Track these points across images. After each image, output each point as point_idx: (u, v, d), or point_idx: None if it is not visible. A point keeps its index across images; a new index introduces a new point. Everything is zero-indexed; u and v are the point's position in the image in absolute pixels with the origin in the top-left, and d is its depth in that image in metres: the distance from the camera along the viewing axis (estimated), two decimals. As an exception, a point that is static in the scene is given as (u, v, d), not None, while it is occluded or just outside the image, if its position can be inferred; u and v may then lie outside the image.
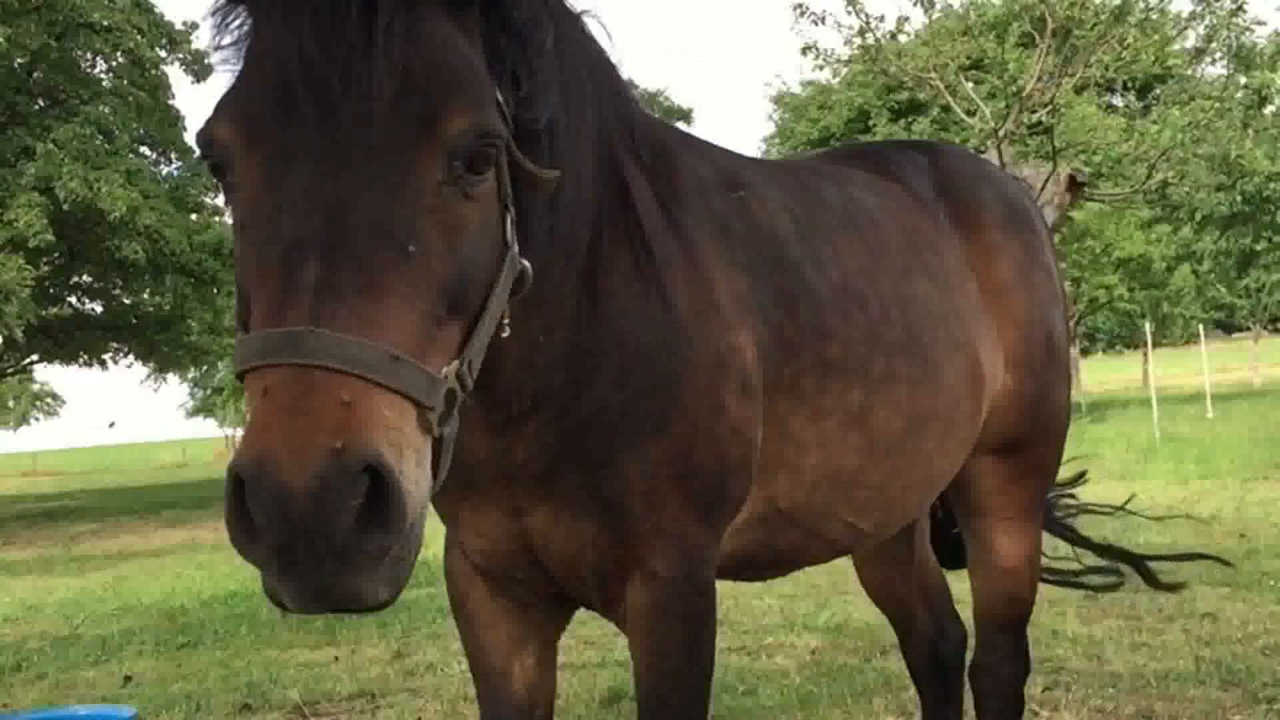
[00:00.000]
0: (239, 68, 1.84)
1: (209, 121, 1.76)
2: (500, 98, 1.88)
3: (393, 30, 1.70)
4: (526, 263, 1.93)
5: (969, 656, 3.83)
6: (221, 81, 1.86)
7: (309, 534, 1.49)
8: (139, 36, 23.69)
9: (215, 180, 1.82)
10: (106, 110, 23.58)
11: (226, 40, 1.91)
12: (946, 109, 22.46)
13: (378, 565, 1.56)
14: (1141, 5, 20.84)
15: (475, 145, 1.74)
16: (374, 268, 1.61)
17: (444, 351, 1.71)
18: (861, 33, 20.66)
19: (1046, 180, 18.61)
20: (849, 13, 20.23)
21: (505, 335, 1.94)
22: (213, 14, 1.91)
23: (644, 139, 2.55)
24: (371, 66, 1.68)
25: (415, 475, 1.60)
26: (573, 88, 2.23)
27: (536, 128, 2.05)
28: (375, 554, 1.55)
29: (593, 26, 2.39)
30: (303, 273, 1.60)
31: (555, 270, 2.20)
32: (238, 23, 1.90)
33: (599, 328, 2.32)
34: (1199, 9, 20.33)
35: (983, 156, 16.84)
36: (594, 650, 6.62)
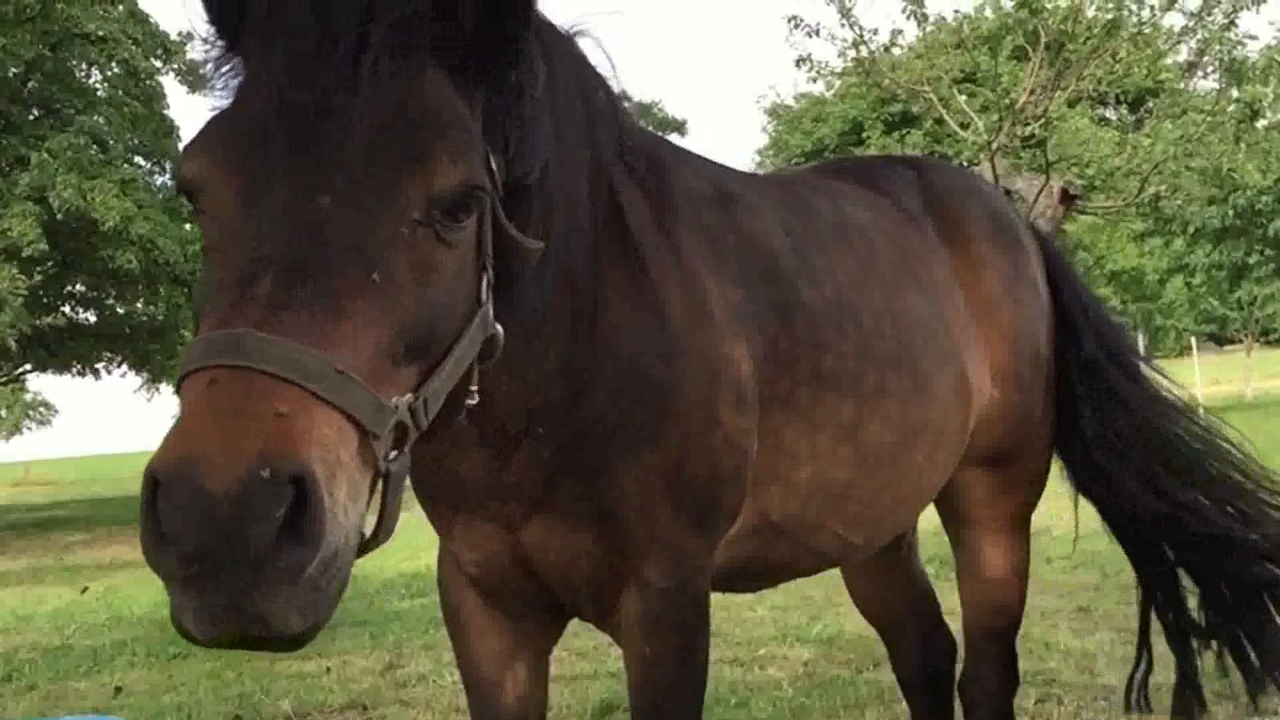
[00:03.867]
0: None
1: (183, 153, 1.77)
2: (493, 163, 1.88)
3: (379, 67, 1.70)
4: (499, 328, 1.91)
5: (959, 668, 3.84)
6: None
7: (223, 541, 1.39)
8: (134, 47, 23.69)
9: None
10: (101, 120, 23.57)
11: (219, 86, 1.90)
12: (940, 121, 22.49)
13: (291, 586, 1.45)
14: (1134, 19, 20.90)
15: (458, 194, 1.72)
16: (333, 289, 1.58)
17: (396, 384, 1.66)
18: (855, 45, 20.72)
19: (1039, 193, 18.65)
20: (843, 25, 20.28)
21: (473, 402, 1.92)
22: (210, 65, 1.91)
23: (637, 152, 2.56)
24: (354, 98, 1.68)
25: (345, 502, 1.52)
26: (564, 118, 2.23)
27: (527, 182, 2.05)
28: (289, 571, 1.44)
29: (588, 32, 2.40)
30: (258, 285, 1.56)
31: (551, 304, 2.21)
32: (233, 71, 1.89)
33: (594, 341, 2.33)
34: (1191, 23, 20.39)
35: (974, 170, 16.85)
36: (587, 662, 6.61)
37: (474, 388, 1.92)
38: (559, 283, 2.24)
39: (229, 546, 1.40)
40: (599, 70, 2.45)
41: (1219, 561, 3.68)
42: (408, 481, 2.57)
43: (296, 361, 1.50)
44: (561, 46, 2.30)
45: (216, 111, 1.81)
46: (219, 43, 1.89)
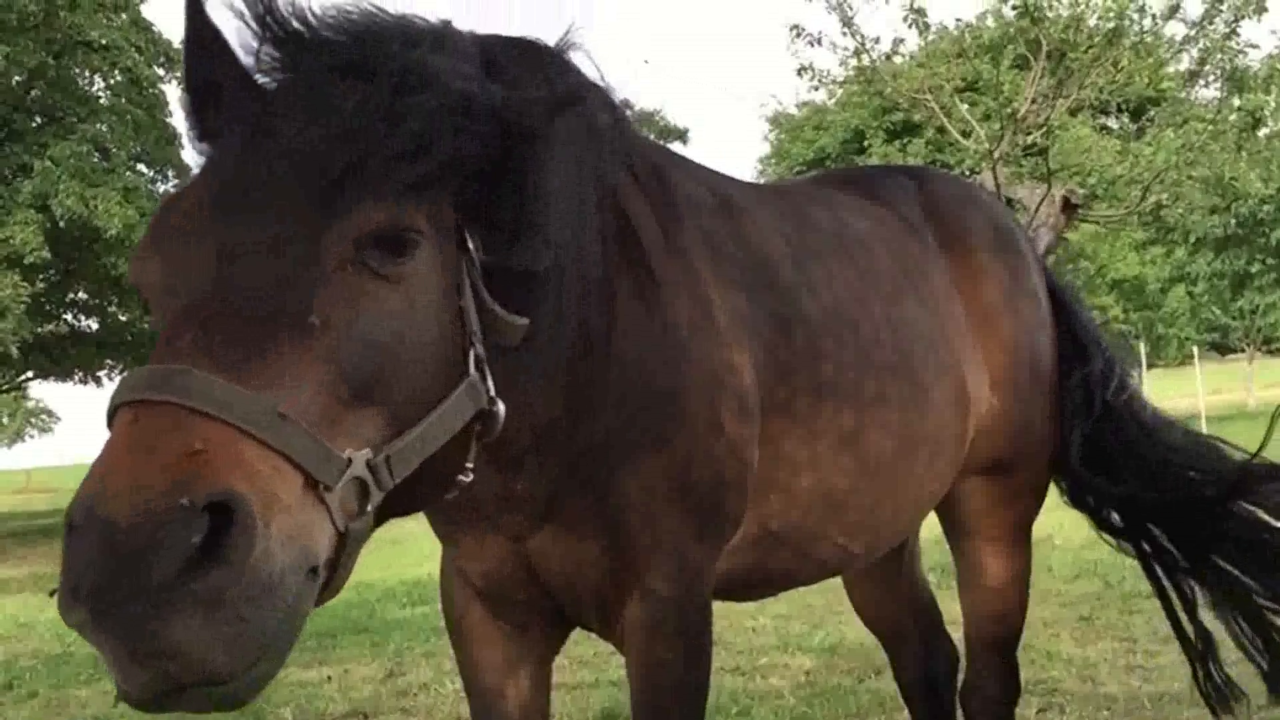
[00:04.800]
0: None
1: (131, 259, 1.79)
2: (470, 242, 1.89)
3: (308, 133, 1.72)
4: (501, 406, 1.90)
5: (960, 677, 3.83)
6: None
7: (124, 570, 1.33)
8: (137, 55, 23.74)
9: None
10: (104, 128, 23.61)
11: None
12: (941, 130, 22.47)
13: (207, 614, 1.37)
14: (1136, 29, 20.91)
15: (382, 233, 1.71)
16: (260, 330, 1.57)
17: (351, 436, 1.63)
18: (857, 54, 20.70)
19: (1041, 202, 18.63)
20: (844, 34, 20.26)
21: (467, 480, 1.92)
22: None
23: (640, 161, 2.57)
24: (283, 161, 1.69)
25: (282, 537, 1.46)
26: (572, 163, 2.22)
27: (536, 267, 2.03)
28: (203, 597, 1.36)
29: (581, 47, 2.39)
30: (185, 334, 1.56)
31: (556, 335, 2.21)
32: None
33: (604, 354, 2.33)
34: (1193, 32, 20.38)
35: (975, 179, 16.83)
36: (588, 670, 6.61)
37: (470, 464, 1.91)
38: (569, 306, 2.23)
39: (131, 576, 1.33)
40: (599, 87, 2.43)
41: (1218, 528, 3.54)
42: None
43: (222, 400, 1.47)
44: (567, 80, 2.28)
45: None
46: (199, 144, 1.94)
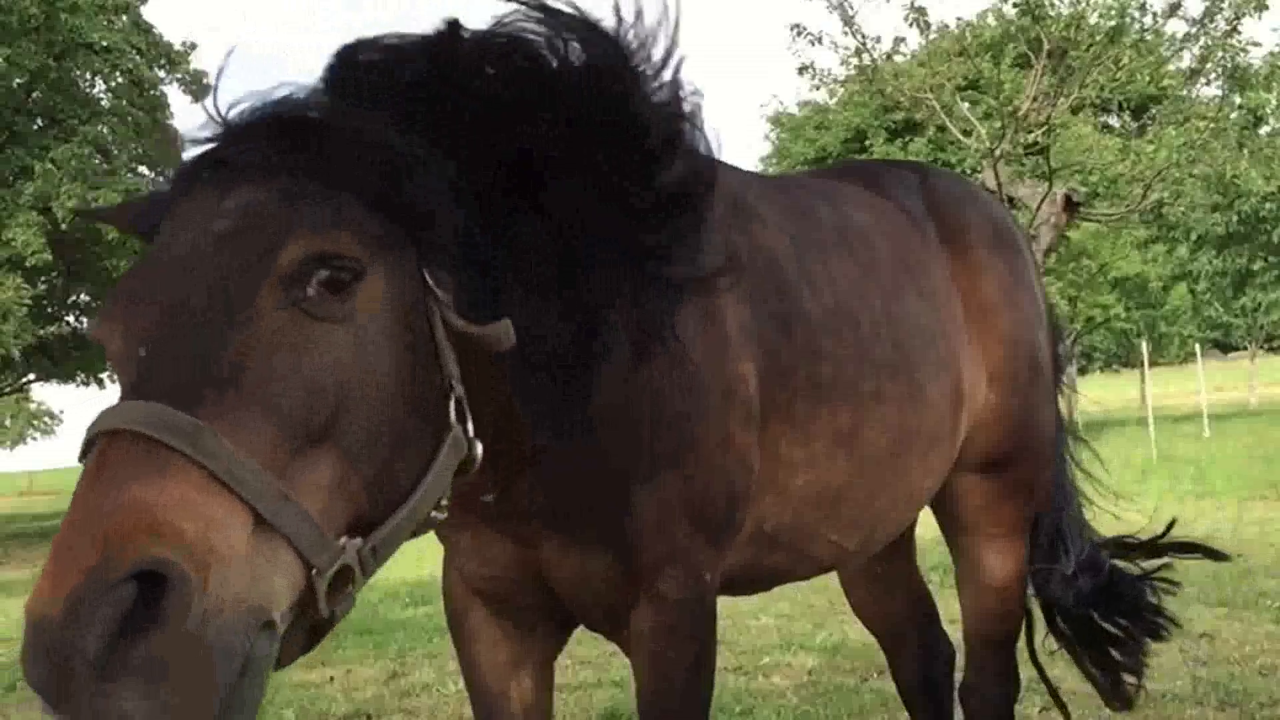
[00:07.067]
0: None
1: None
2: (428, 277, 1.83)
3: (237, 196, 1.73)
4: (479, 447, 1.88)
5: (959, 676, 3.83)
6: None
7: (60, 660, 1.34)
8: (137, 57, 23.77)
9: None
10: (105, 130, 23.66)
11: None
12: (943, 129, 22.49)
13: (152, 682, 1.35)
14: (1137, 26, 20.93)
15: (304, 266, 1.67)
16: (204, 387, 1.54)
17: (315, 486, 1.60)
18: (858, 53, 20.73)
19: (1042, 200, 18.65)
20: (845, 33, 20.30)
21: (441, 517, 1.88)
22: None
23: None
24: (215, 218, 1.70)
25: (226, 597, 1.43)
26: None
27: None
28: (143, 664, 1.35)
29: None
30: (138, 388, 1.56)
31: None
32: None
33: (611, 374, 2.25)
34: (1194, 30, 20.38)
35: (977, 177, 16.81)
36: (590, 670, 6.61)
37: (445, 502, 1.88)
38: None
39: (66, 663, 1.34)
40: None
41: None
42: None
43: (169, 422, 1.48)
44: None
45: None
46: None
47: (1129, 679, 3.99)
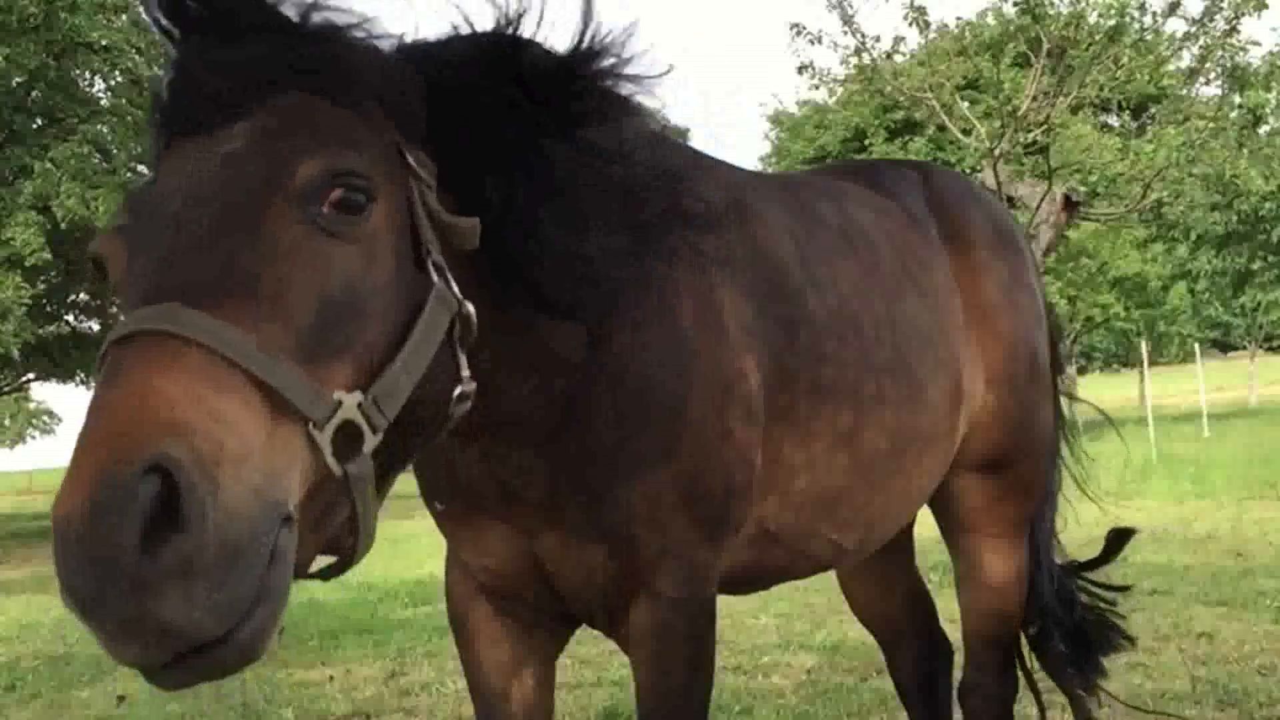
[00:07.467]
0: None
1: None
2: (409, 157, 1.87)
3: (246, 105, 1.75)
4: (470, 306, 1.88)
5: (957, 675, 3.83)
6: None
7: (93, 565, 1.33)
8: (137, 56, 23.70)
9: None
10: (104, 129, 23.60)
11: None
12: (942, 128, 22.49)
13: (184, 583, 1.36)
14: (1136, 26, 20.91)
15: (326, 185, 1.70)
16: (219, 290, 1.56)
17: (333, 378, 1.62)
18: (858, 52, 20.73)
19: (1042, 199, 18.64)
20: (845, 32, 20.30)
21: (468, 389, 1.89)
22: None
23: (652, 162, 2.53)
24: (224, 140, 1.72)
25: (242, 492, 1.43)
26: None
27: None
28: (174, 567, 1.35)
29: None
30: (152, 293, 1.57)
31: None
32: None
33: (607, 355, 2.31)
34: (1193, 30, 20.37)
35: (976, 177, 16.81)
36: (590, 669, 6.61)
37: (465, 373, 1.89)
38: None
39: (97, 567, 1.34)
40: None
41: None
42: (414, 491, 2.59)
43: (179, 319, 1.49)
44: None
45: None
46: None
47: (1083, 694, 4.05)
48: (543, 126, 2.04)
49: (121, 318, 1.60)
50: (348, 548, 1.69)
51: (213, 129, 1.74)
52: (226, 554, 1.39)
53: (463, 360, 1.89)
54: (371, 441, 1.66)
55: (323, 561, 1.73)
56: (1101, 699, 4.10)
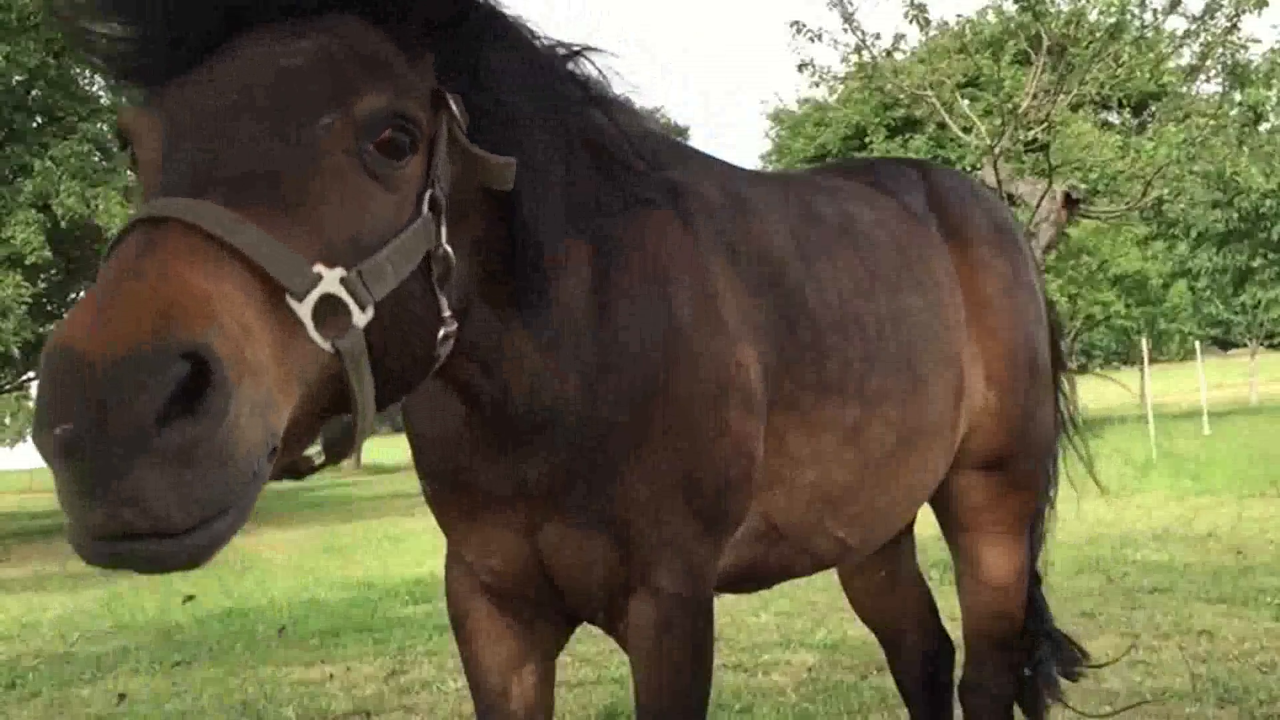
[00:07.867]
0: None
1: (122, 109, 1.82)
2: (453, 105, 1.90)
3: (303, 22, 1.76)
4: (451, 251, 1.88)
5: (958, 673, 3.83)
6: None
7: (100, 409, 1.31)
8: (137, 54, 23.71)
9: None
10: (104, 127, 23.58)
11: None
12: (942, 126, 22.47)
13: (176, 467, 1.35)
14: (1136, 23, 20.90)
15: (385, 123, 1.73)
16: (254, 194, 1.58)
17: (321, 259, 1.62)
18: (858, 50, 20.71)
19: (1042, 197, 18.62)
20: (845, 30, 20.27)
21: (451, 329, 1.90)
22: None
23: (653, 161, 2.55)
24: (284, 55, 1.72)
25: (250, 406, 1.44)
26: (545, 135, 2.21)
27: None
28: (176, 448, 1.35)
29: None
30: (185, 180, 1.58)
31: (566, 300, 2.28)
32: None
33: (607, 344, 2.34)
34: (1194, 27, 20.34)
35: (976, 175, 16.81)
36: (590, 668, 6.61)
37: (446, 314, 1.89)
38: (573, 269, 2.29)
39: (105, 415, 1.32)
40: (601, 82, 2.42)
41: None
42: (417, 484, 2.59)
43: (203, 213, 1.50)
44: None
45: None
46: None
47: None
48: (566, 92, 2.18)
49: (151, 196, 1.60)
50: (348, 424, 1.70)
51: (265, 37, 1.74)
52: (222, 456, 1.40)
53: (443, 301, 1.89)
54: (360, 319, 1.65)
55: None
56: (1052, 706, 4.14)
